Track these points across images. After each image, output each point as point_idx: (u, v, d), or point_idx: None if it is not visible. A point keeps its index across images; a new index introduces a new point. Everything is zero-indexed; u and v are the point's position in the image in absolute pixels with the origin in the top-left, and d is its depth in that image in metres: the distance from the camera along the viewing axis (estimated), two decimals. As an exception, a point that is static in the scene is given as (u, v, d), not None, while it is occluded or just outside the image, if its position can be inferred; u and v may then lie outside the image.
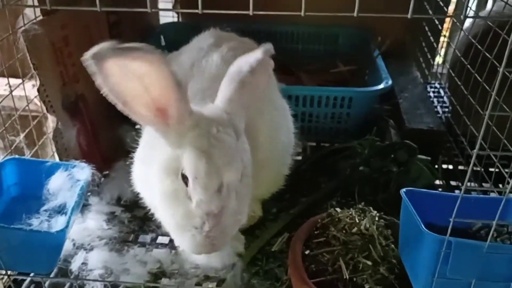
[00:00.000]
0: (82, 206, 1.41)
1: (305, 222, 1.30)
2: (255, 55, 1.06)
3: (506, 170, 1.32)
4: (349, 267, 1.13)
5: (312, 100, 1.85)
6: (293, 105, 1.55)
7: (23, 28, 1.32)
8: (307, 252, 1.20)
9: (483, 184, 1.56)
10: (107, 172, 1.65)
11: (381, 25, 2.21)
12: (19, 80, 1.45)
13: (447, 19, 2.26)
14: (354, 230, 1.19)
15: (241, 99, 1.06)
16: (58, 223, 1.23)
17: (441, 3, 2.05)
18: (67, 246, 1.34)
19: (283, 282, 1.27)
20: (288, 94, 1.65)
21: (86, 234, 1.42)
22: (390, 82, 1.84)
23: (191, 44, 1.56)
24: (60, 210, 1.28)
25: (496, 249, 0.92)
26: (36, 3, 1.35)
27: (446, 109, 2.13)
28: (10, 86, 1.38)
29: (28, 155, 1.50)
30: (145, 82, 0.91)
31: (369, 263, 1.13)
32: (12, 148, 1.43)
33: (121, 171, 1.57)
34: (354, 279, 1.11)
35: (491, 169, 1.49)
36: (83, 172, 1.32)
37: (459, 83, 1.71)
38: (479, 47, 1.54)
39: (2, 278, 1.24)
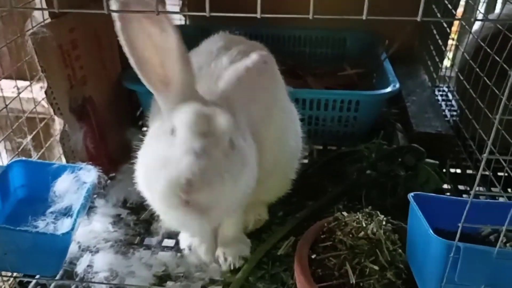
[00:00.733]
0: (88, 208, 1.41)
1: (312, 226, 1.30)
2: (251, 57, 1.15)
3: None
4: (355, 271, 1.12)
5: (319, 103, 1.85)
6: (300, 108, 1.55)
7: (31, 31, 1.33)
8: (313, 256, 1.19)
9: (492, 188, 1.54)
10: (113, 174, 1.66)
11: (389, 28, 2.20)
12: (27, 83, 1.45)
13: (456, 22, 2.25)
14: (361, 234, 1.17)
15: (238, 95, 1.12)
16: (64, 225, 1.23)
17: (449, 6, 2.04)
18: (73, 248, 1.35)
19: (289, 286, 1.26)
20: (295, 97, 1.65)
21: (91, 236, 1.42)
22: (397, 85, 1.83)
23: (201, 47, 1.56)
24: (66, 212, 1.28)
25: (506, 255, 0.91)
26: (44, 6, 1.36)
27: (454, 113, 2.11)
28: (18, 89, 1.39)
29: (35, 157, 1.51)
30: (154, 41, 1.02)
31: (376, 268, 1.11)
32: (19, 150, 1.44)
33: (127, 173, 1.56)
34: (361, 283, 1.10)
35: (500, 174, 1.48)
36: (90, 174, 1.32)
37: (468, 86, 1.70)
38: (488, 50, 1.53)
39: (8, 280, 1.24)
